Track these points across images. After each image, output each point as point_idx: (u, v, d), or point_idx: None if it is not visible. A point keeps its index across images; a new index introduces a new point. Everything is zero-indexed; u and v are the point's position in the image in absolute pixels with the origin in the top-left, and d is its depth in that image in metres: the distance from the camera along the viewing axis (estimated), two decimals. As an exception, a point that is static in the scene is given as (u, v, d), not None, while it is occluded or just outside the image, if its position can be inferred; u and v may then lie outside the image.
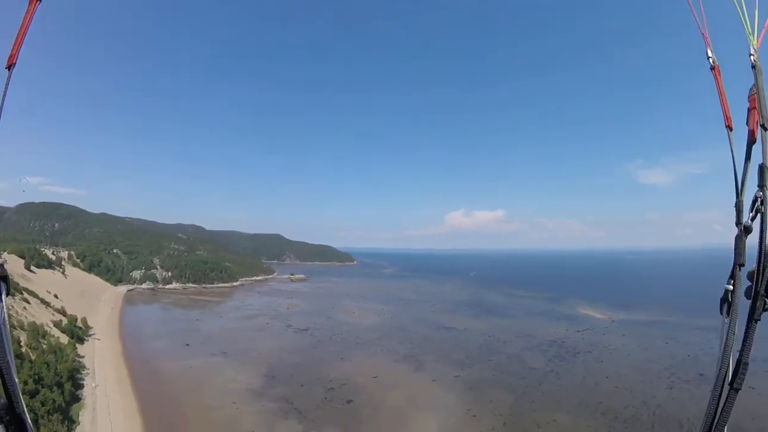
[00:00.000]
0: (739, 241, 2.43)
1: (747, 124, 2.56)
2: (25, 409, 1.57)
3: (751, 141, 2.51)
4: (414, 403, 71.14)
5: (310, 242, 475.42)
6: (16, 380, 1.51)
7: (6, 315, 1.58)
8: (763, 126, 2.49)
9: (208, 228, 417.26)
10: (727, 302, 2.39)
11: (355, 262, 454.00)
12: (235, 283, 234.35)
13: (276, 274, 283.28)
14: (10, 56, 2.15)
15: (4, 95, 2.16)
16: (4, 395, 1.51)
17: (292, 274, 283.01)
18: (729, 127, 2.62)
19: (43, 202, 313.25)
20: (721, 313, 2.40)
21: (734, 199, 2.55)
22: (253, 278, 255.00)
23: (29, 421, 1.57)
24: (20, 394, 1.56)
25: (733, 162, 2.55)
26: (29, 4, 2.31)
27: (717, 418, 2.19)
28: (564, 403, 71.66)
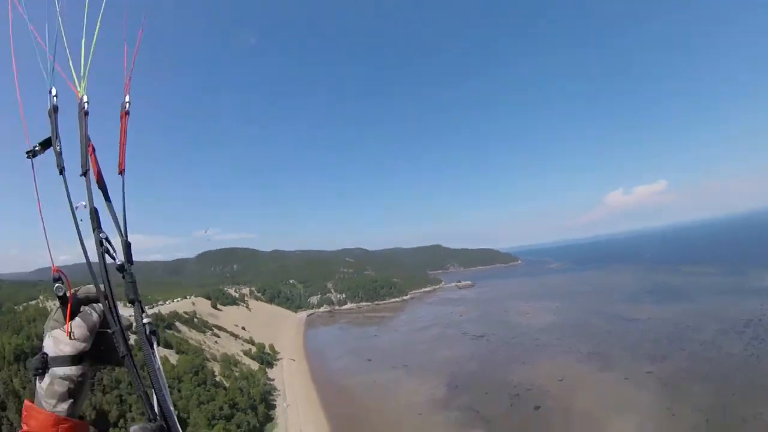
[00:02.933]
0: None
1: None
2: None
3: None
4: (606, 405, 65.21)
5: (470, 247, 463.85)
6: (172, 408, 1.82)
7: (159, 360, 1.88)
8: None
9: (371, 249, 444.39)
10: None
11: (520, 262, 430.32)
12: (405, 297, 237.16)
13: (443, 283, 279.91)
14: (119, 164, 2.19)
15: (124, 199, 2.19)
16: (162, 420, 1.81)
17: (458, 282, 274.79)
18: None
19: (221, 249, 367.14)
20: None
21: None
22: (421, 290, 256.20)
23: None
24: (176, 421, 1.83)
25: None
26: (121, 119, 2.34)
27: None
28: (770, 391, 63.33)
